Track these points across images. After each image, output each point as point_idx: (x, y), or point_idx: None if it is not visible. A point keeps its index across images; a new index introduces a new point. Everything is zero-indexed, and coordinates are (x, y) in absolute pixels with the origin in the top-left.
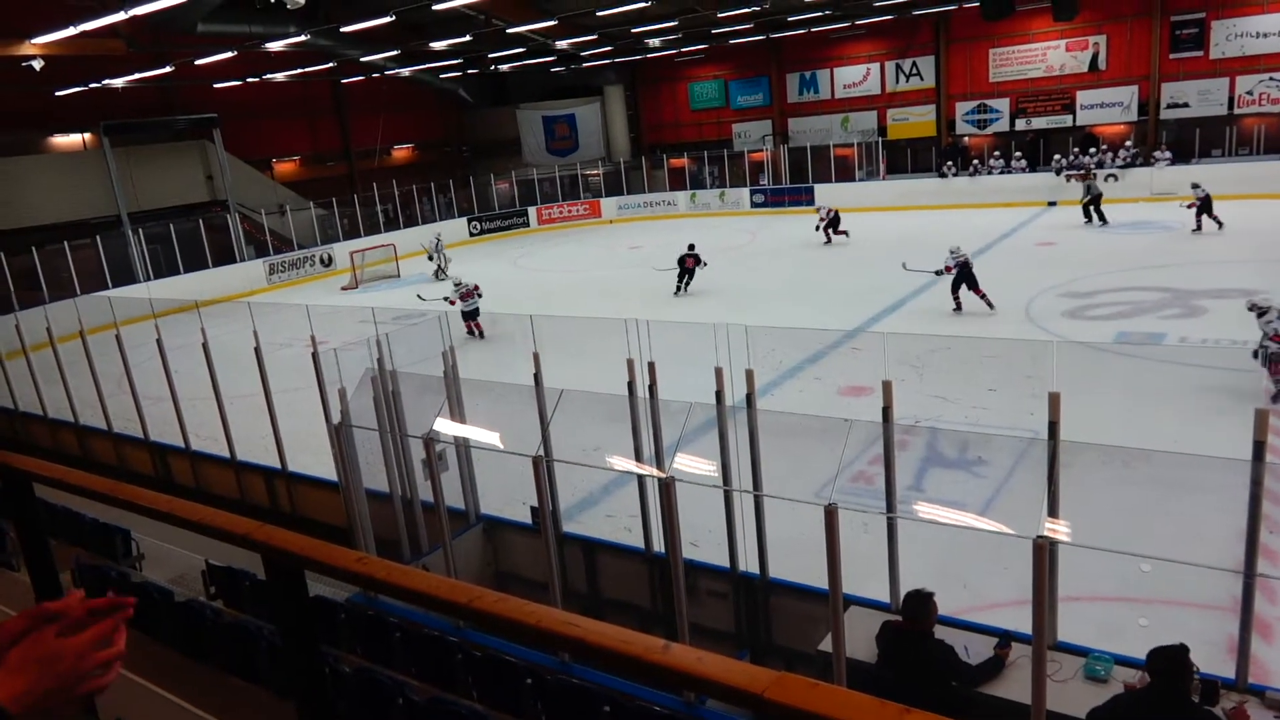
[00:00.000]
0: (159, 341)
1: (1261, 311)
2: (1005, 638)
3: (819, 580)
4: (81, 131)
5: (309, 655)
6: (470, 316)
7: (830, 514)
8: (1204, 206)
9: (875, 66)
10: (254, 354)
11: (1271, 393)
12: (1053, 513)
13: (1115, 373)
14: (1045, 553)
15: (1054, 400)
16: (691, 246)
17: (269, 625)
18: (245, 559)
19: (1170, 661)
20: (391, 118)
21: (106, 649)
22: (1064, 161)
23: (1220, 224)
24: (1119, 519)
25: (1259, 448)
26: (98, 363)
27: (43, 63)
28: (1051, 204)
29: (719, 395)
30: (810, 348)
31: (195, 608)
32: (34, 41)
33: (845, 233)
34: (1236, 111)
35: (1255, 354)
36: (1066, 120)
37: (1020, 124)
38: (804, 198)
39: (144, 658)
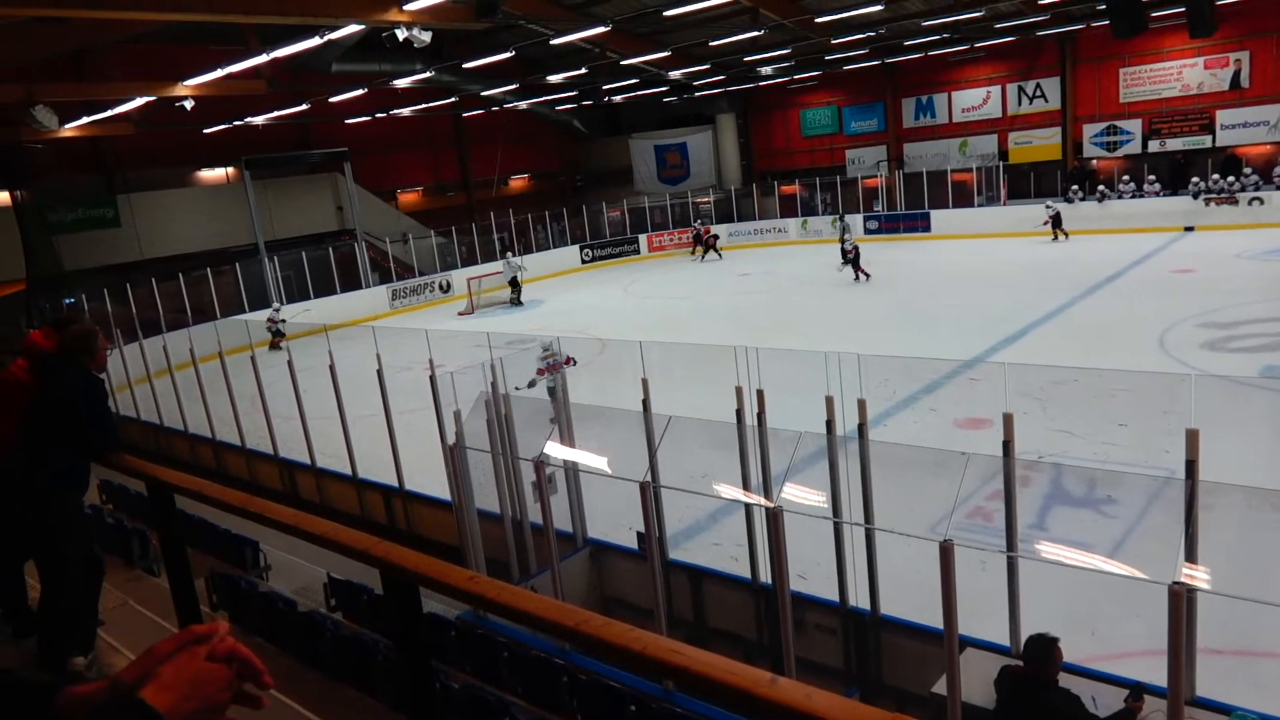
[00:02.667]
0: (290, 363)
1: None
2: (1138, 690)
3: (933, 619)
4: (225, 166)
5: (422, 670)
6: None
7: (946, 550)
8: None
9: (996, 89)
10: (376, 376)
11: None
12: (1190, 558)
13: (1260, 409)
14: (1183, 600)
15: (1192, 437)
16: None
17: (385, 639)
18: (364, 573)
19: None
20: (509, 149)
21: (251, 680)
22: (1204, 185)
23: None
24: (1265, 566)
25: None
26: (234, 382)
27: (193, 103)
28: (1189, 229)
29: (830, 425)
30: (925, 378)
31: (317, 619)
32: (186, 84)
33: (867, 274)
34: None
35: None
36: (1205, 141)
37: (1154, 145)
38: (920, 224)
39: (268, 666)
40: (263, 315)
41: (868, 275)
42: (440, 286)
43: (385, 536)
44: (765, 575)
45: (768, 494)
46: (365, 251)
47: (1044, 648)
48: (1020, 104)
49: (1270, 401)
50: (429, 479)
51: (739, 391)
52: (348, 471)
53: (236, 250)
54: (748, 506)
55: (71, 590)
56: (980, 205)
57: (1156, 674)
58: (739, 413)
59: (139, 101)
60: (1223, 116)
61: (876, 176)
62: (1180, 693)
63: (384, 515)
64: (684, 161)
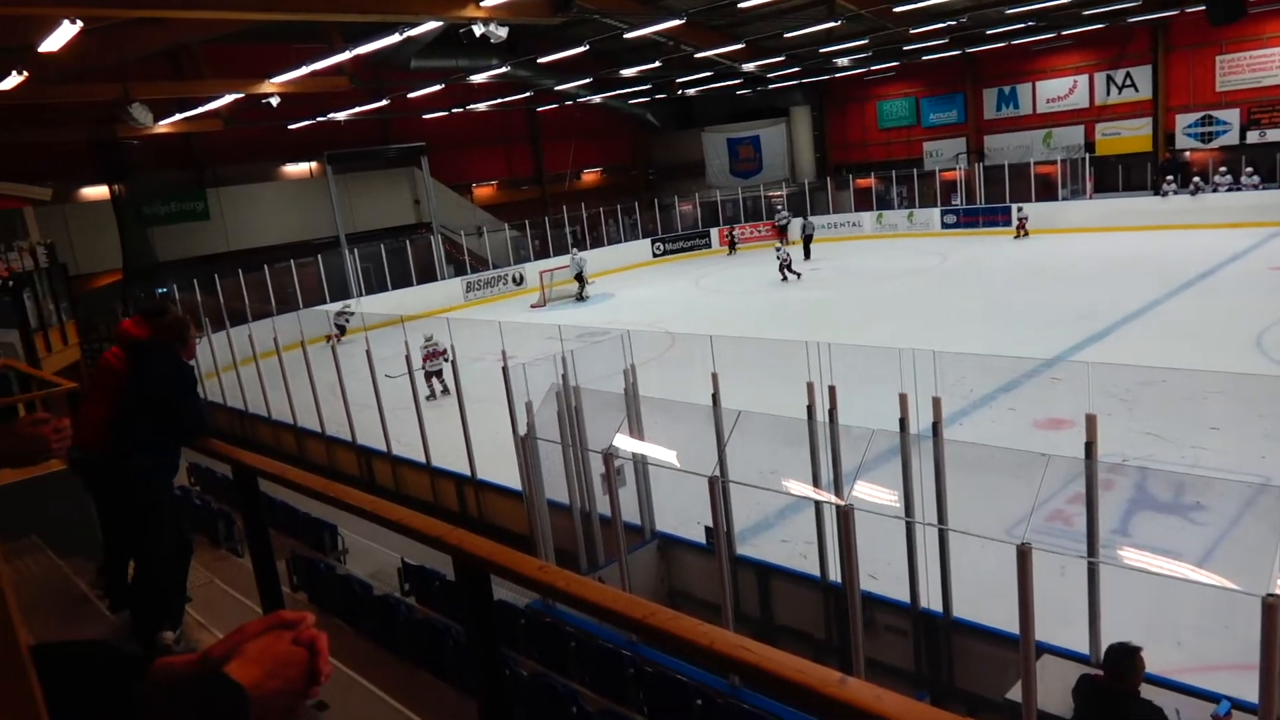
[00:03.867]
0: (368, 352)
1: None
2: (1226, 704)
3: (1008, 624)
4: (308, 161)
5: (492, 657)
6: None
7: (1024, 554)
8: None
9: (1083, 78)
10: (450, 367)
11: None
12: None
13: None
14: (1276, 613)
15: None
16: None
17: (456, 625)
18: (437, 559)
19: None
20: (582, 143)
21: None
22: None
23: None
24: None
25: None
26: (315, 371)
27: (278, 99)
28: None
29: (903, 422)
30: (1004, 376)
31: (391, 603)
32: (272, 81)
33: (797, 273)
34: None
35: None
36: None
37: (1253, 136)
38: (1000, 218)
39: (345, 646)
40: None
41: (797, 275)
42: (513, 279)
43: (457, 524)
44: (834, 574)
45: (838, 491)
46: (441, 244)
47: (1126, 657)
48: (1109, 94)
49: None
50: (500, 469)
51: (810, 387)
52: (422, 460)
53: (318, 242)
54: (818, 504)
55: (162, 568)
56: (1065, 199)
57: (1246, 689)
58: (810, 408)
59: (228, 99)
60: None
61: (955, 169)
62: (1273, 709)
63: (456, 503)
64: (757, 155)
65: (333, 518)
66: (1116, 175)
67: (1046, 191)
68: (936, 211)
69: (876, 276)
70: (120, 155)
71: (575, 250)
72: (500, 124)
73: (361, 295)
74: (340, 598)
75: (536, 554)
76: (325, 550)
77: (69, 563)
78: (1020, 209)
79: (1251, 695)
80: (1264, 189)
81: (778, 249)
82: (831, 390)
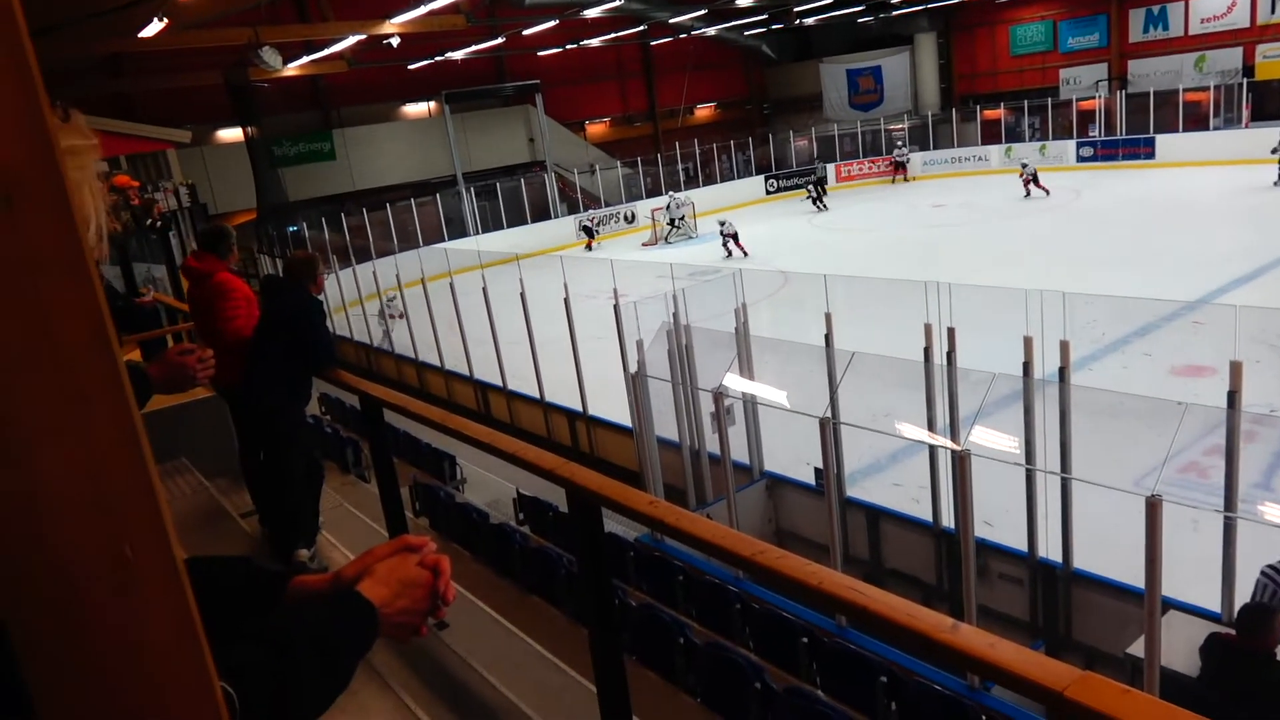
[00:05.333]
0: (484, 290)
1: None
2: None
3: (1132, 578)
4: (427, 100)
5: (603, 586)
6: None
7: (1153, 506)
8: None
9: None
10: (563, 304)
11: None
12: None
13: None
14: None
15: None
16: None
17: (568, 555)
18: (550, 491)
19: None
20: (696, 77)
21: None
22: None
23: None
24: None
25: None
26: (434, 306)
27: (398, 40)
28: None
29: (1027, 367)
30: (1139, 320)
31: (507, 531)
32: (392, 21)
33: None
34: None
35: None
36: None
37: None
38: (1143, 150)
39: (463, 571)
40: (460, 245)
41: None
42: (625, 217)
43: (569, 458)
44: (948, 519)
45: (954, 436)
46: (555, 182)
47: (1263, 617)
48: (1274, 10)
49: None
50: (611, 405)
51: (928, 329)
52: (536, 394)
53: (437, 181)
54: (932, 448)
55: (297, 491)
56: (1216, 128)
57: None
58: (927, 351)
59: (351, 40)
60: None
61: (1094, 98)
62: None
63: (568, 438)
64: (878, 86)
65: (451, 448)
66: (1278, 102)
67: (1196, 121)
68: (1072, 144)
69: (1003, 215)
70: (252, 98)
71: (672, 193)
72: (614, 60)
73: (478, 234)
74: (459, 524)
75: (646, 489)
76: (445, 479)
77: (214, 483)
78: (902, 144)
79: None
80: None
81: (1025, 164)
82: (950, 332)
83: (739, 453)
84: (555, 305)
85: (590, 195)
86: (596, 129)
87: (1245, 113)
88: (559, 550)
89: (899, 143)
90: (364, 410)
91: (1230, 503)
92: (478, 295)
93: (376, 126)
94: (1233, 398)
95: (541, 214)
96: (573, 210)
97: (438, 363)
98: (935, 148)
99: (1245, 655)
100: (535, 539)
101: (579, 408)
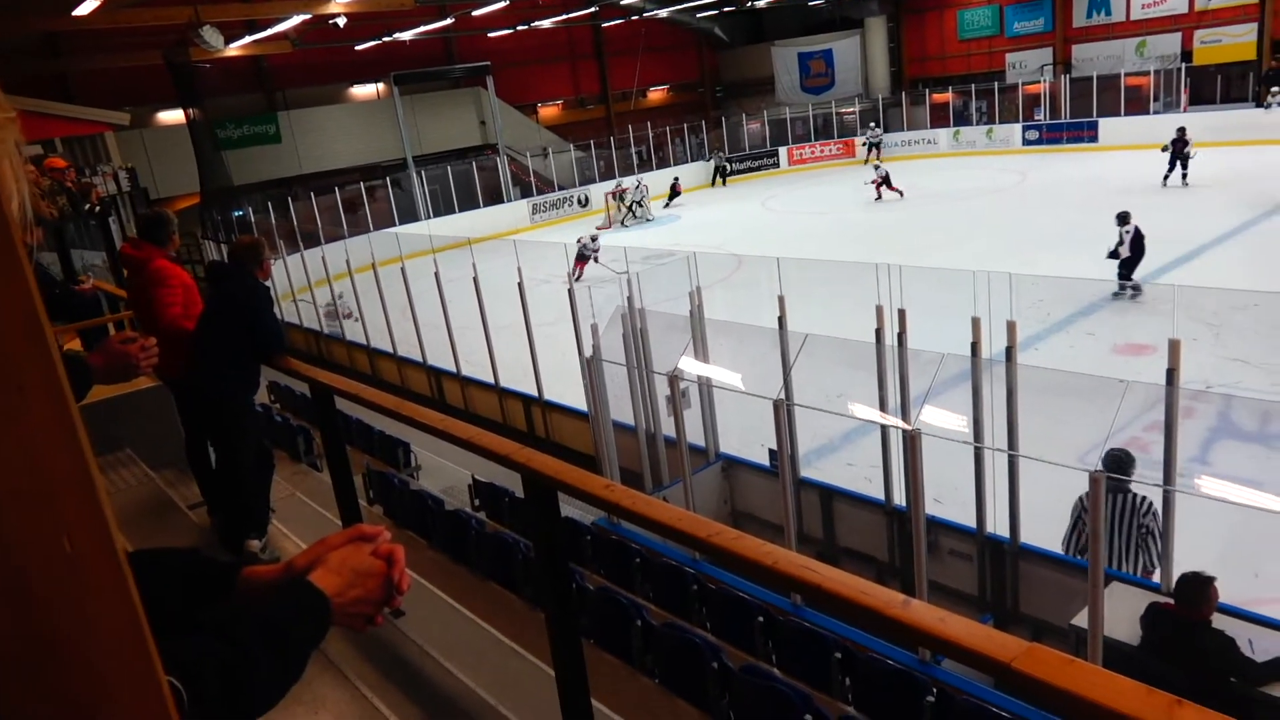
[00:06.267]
0: (436, 275)
1: None
2: None
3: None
4: (375, 82)
5: (559, 570)
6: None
7: (1096, 482)
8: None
9: None
10: (518, 289)
11: None
12: None
13: None
14: None
15: None
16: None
17: (525, 540)
18: (506, 477)
19: None
20: (648, 60)
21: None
22: None
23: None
24: None
25: None
26: (386, 292)
27: (345, 20)
28: None
29: (975, 347)
30: (1084, 300)
31: (462, 518)
32: (337, 0)
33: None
34: None
35: None
36: None
37: None
38: (1086, 134)
39: (419, 558)
40: (412, 229)
41: (899, 193)
42: (579, 201)
43: (525, 443)
44: (899, 498)
45: (905, 416)
46: (507, 166)
47: (1198, 587)
48: None
49: None
50: (567, 390)
51: (879, 310)
52: (490, 380)
53: (387, 165)
54: (884, 428)
55: (247, 481)
56: (1157, 112)
57: None
58: (878, 332)
59: (296, 20)
60: None
61: (1040, 82)
62: None
63: (524, 423)
64: (829, 69)
65: (406, 435)
66: (1215, 86)
67: (1136, 105)
68: (1018, 128)
69: (952, 197)
70: (193, 79)
71: (632, 178)
72: (565, 41)
73: (430, 218)
74: (414, 512)
75: (602, 473)
76: (399, 466)
77: (160, 475)
78: (874, 125)
79: None
80: None
81: (877, 166)
82: (901, 314)
83: (694, 435)
84: (509, 290)
85: (543, 179)
86: (549, 111)
87: (1184, 97)
88: (515, 536)
89: (871, 124)
90: (315, 398)
91: (1169, 477)
92: (430, 280)
93: (324, 109)
94: (1171, 375)
95: (494, 197)
96: (525, 194)
97: (390, 349)
98: (886, 131)
99: (1183, 623)
100: (491, 525)
101: (534, 393)
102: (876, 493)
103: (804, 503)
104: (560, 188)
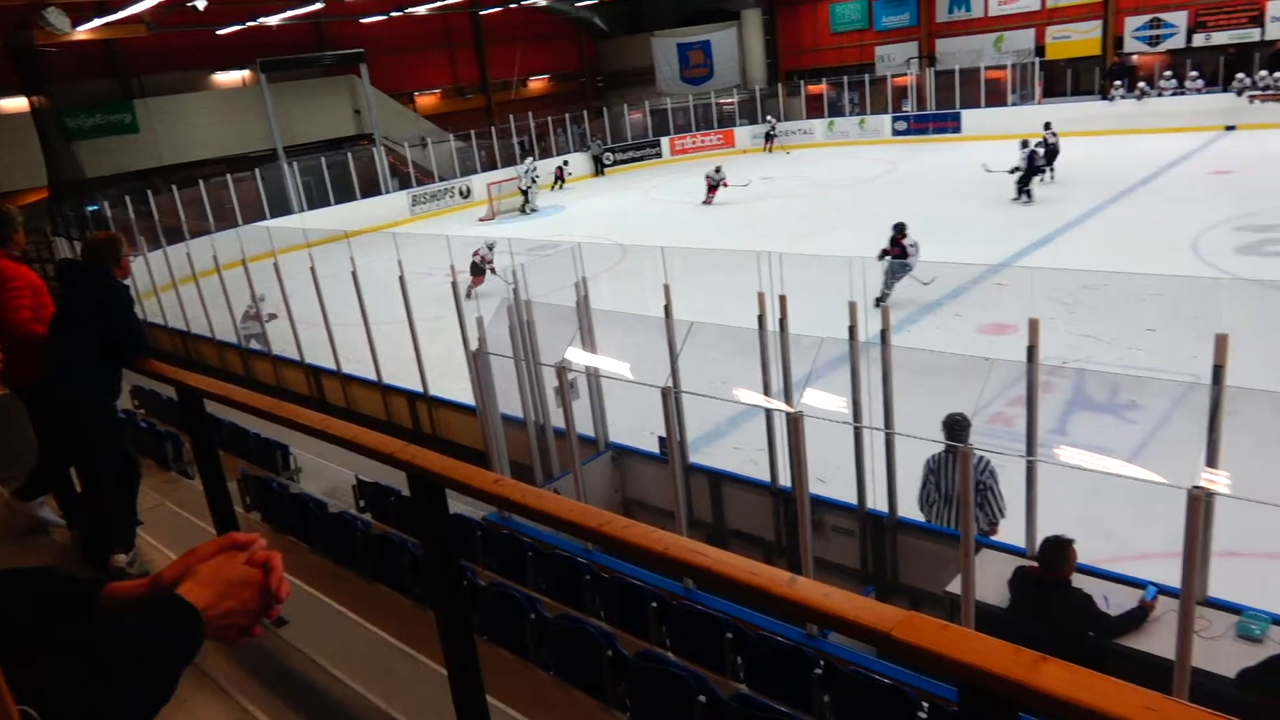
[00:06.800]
0: (313, 270)
1: None
2: (1152, 590)
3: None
4: (240, 69)
5: (448, 568)
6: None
7: (964, 456)
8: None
9: None
10: (398, 283)
11: None
12: (1211, 463)
13: None
14: (1201, 504)
15: (1221, 342)
16: (1041, 134)
17: (413, 539)
18: (391, 476)
19: None
20: (528, 49)
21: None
22: (1248, 81)
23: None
24: None
25: None
26: (258, 288)
27: (205, 2)
28: (1230, 128)
29: (852, 330)
30: (951, 283)
31: (347, 520)
32: None
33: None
34: None
35: None
36: (1254, 34)
37: (1199, 39)
38: (950, 124)
39: (302, 564)
40: (285, 223)
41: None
42: (460, 192)
43: (411, 440)
44: (785, 479)
45: (789, 399)
46: (384, 156)
47: (1059, 549)
48: None
49: None
50: (453, 385)
51: (761, 297)
52: (373, 377)
53: (255, 156)
54: (768, 412)
55: (109, 491)
56: (1014, 104)
57: (1170, 575)
58: (761, 318)
59: (150, 2)
60: (1274, 8)
61: (907, 75)
62: (1192, 593)
63: (409, 420)
64: (708, 60)
65: (283, 437)
66: (1066, 80)
67: (996, 97)
68: (887, 118)
69: (828, 185)
70: (38, 64)
71: (530, 160)
72: (443, 28)
73: (304, 210)
74: (295, 516)
75: (491, 468)
76: (277, 470)
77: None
78: (771, 117)
79: (1175, 581)
80: (1206, 93)
81: (719, 170)
82: (782, 300)
83: (584, 426)
84: (391, 284)
85: (422, 169)
86: (427, 101)
87: (1038, 89)
88: (403, 535)
89: (769, 116)
90: (182, 402)
91: (1031, 447)
92: (306, 276)
93: (185, 96)
94: (1031, 352)
95: (371, 189)
96: (404, 185)
97: (264, 348)
98: (764, 121)
99: (1046, 583)
100: (378, 526)
101: (419, 389)
102: (763, 475)
103: (693, 488)
104: (441, 178)
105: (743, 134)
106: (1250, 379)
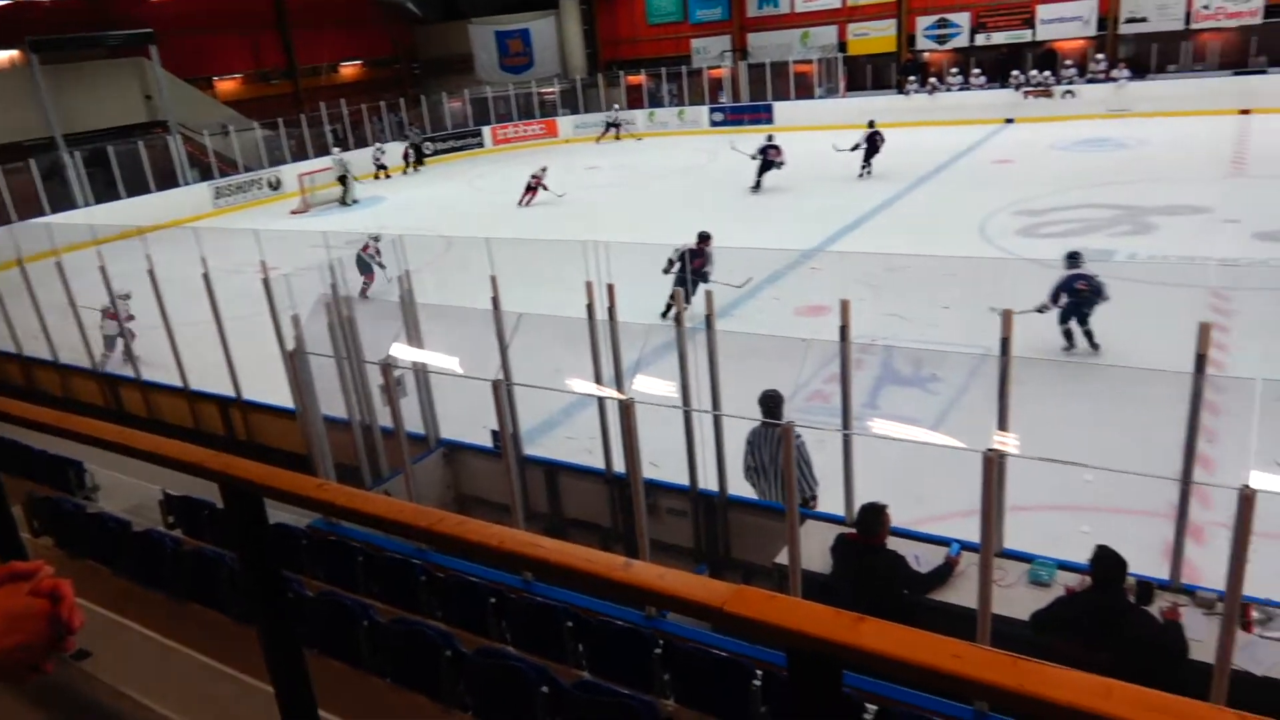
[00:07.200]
0: (103, 269)
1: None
2: (956, 546)
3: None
4: (7, 49)
5: (269, 581)
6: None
7: (786, 432)
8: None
9: None
10: (203, 281)
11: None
12: (1002, 426)
13: None
14: (994, 465)
15: (1006, 317)
16: (770, 138)
17: (230, 553)
18: (203, 488)
19: (1108, 565)
20: (339, 33)
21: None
22: (1022, 78)
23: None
24: (1067, 432)
25: (1200, 361)
26: (39, 292)
27: None
28: (1009, 121)
29: (678, 316)
30: (769, 268)
31: (154, 537)
32: None
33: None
34: (1193, 26)
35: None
36: (1027, 35)
37: (980, 39)
38: (764, 116)
39: (103, 589)
40: (68, 218)
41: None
42: (269, 183)
43: (225, 449)
44: (619, 465)
45: (620, 386)
46: (181, 145)
47: (874, 515)
48: None
49: None
50: (270, 388)
51: (589, 286)
52: (179, 383)
53: (30, 144)
54: (600, 400)
55: None
56: (821, 97)
57: (971, 532)
58: (590, 308)
59: None
60: (1042, 11)
61: (721, 67)
62: (990, 547)
63: (222, 427)
64: (527, 49)
65: (77, 453)
66: (866, 75)
67: (804, 90)
68: (705, 109)
69: (651, 175)
70: None
71: (337, 150)
72: (241, 9)
73: (90, 204)
74: (93, 538)
75: (315, 472)
76: (71, 489)
77: None
78: (617, 106)
79: (976, 537)
80: (988, 89)
81: (544, 169)
82: (610, 288)
83: (414, 423)
84: (194, 282)
85: (226, 159)
86: (227, 86)
87: (842, 83)
88: (219, 550)
89: (614, 105)
90: None
91: (846, 422)
92: (94, 276)
93: None
94: (843, 332)
95: (168, 181)
96: (206, 176)
97: (49, 356)
98: (585, 111)
99: (863, 548)
100: (189, 542)
101: (232, 393)
102: (597, 463)
103: (529, 480)
104: (247, 169)
105: (565, 124)
106: (1034, 349)
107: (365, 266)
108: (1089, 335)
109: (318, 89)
